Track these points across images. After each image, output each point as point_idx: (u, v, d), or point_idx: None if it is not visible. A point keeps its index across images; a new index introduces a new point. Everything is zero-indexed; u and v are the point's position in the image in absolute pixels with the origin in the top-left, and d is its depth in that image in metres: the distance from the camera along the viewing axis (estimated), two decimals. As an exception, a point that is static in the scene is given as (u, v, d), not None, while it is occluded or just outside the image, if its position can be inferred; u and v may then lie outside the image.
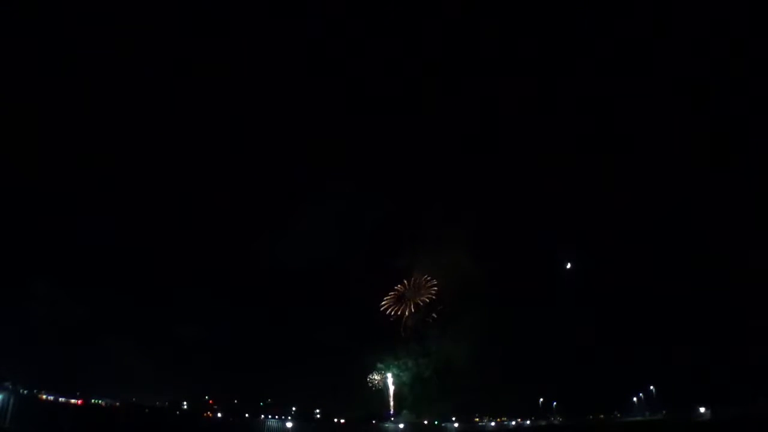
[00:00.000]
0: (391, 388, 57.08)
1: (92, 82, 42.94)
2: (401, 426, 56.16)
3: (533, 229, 54.50)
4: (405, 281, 58.39)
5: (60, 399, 40.46)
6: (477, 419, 62.57)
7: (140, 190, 48.75)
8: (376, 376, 57.11)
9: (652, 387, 53.89)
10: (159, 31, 41.87)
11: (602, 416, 59.45)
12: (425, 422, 57.52)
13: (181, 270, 51.46)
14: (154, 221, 49.93)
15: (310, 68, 50.29)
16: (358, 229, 51.59)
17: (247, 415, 52.51)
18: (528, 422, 61.49)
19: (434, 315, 56.44)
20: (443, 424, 59.11)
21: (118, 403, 44.70)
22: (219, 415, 51.77)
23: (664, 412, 53.76)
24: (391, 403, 56.96)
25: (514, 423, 62.25)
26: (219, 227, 53.52)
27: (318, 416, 57.18)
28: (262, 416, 52.27)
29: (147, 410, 46.16)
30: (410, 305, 57.59)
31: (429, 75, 51.85)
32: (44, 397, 39.75)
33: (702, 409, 49.92)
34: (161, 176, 49.44)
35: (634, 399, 55.99)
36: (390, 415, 56.59)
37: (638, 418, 55.25)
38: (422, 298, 57.32)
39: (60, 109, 42.33)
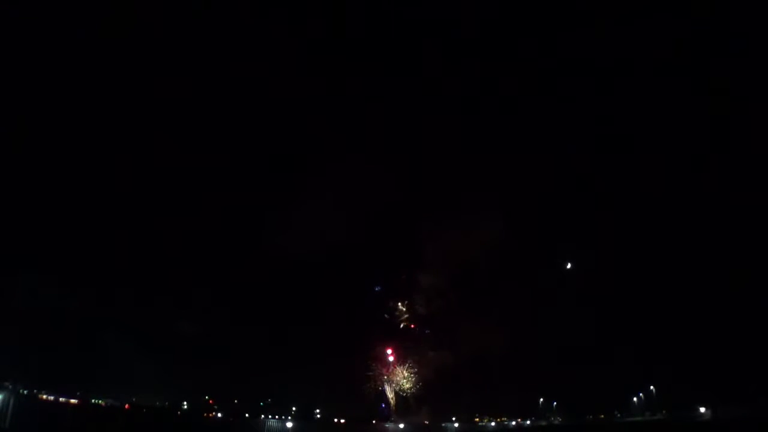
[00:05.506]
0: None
1: (90, 80, 42.89)
2: (401, 426, 56.10)
3: (532, 229, 54.41)
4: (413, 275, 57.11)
5: (60, 399, 40.59)
6: (477, 419, 62.54)
7: (135, 184, 48.36)
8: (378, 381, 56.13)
9: (652, 387, 53.87)
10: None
11: (602, 416, 59.39)
12: (426, 422, 57.37)
13: (181, 268, 51.34)
14: (153, 218, 49.79)
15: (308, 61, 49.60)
16: (363, 220, 50.76)
17: (247, 415, 52.60)
18: (528, 422, 61.49)
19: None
20: (443, 425, 59.05)
21: (120, 404, 44.91)
22: (219, 415, 51.85)
23: (664, 412, 53.73)
24: (392, 403, 56.66)
25: (514, 423, 62.25)
26: (219, 224, 53.22)
27: (318, 416, 57.18)
28: (262, 416, 52.34)
29: (146, 410, 46.35)
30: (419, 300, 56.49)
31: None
32: (44, 397, 39.86)
33: (702, 409, 49.81)
34: (159, 172, 49.03)
35: (634, 399, 55.93)
36: (389, 415, 56.42)
37: (638, 418, 55.17)
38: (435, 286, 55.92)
39: (54, 104, 42.22)
